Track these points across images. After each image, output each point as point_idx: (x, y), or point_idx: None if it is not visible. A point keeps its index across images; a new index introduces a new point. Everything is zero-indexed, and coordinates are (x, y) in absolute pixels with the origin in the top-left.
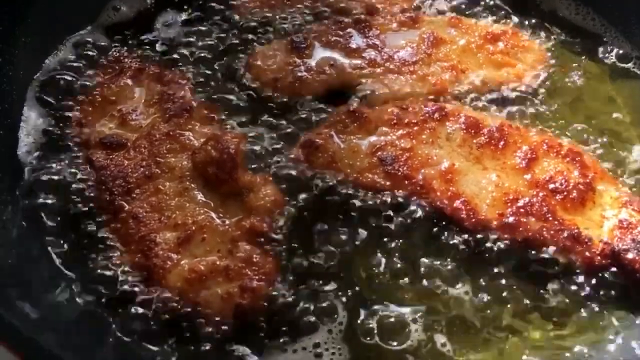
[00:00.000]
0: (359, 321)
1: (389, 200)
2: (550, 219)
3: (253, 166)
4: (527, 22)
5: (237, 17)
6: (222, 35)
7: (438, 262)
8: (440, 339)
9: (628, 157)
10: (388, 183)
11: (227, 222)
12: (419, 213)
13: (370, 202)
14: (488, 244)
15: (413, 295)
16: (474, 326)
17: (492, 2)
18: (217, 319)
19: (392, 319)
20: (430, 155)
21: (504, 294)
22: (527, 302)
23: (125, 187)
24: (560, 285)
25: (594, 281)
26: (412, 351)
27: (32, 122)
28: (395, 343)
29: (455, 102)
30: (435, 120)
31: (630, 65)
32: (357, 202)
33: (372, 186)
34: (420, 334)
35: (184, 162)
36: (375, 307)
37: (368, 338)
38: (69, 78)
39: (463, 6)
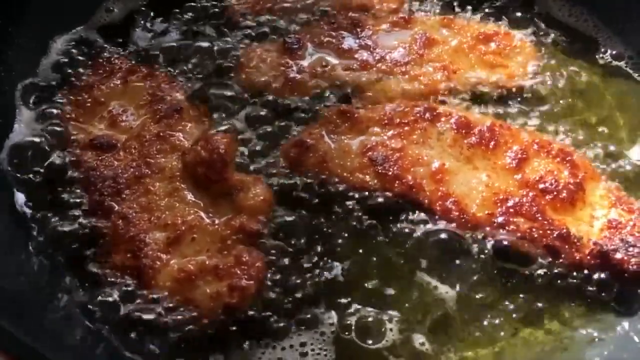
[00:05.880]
0: (344, 321)
1: (379, 200)
2: (540, 219)
3: (243, 166)
4: (519, 23)
5: (229, 17)
6: (215, 36)
7: (423, 262)
8: (419, 338)
9: (619, 157)
10: (379, 183)
11: (217, 221)
12: (409, 213)
13: (360, 202)
14: (475, 244)
15: (398, 295)
16: (455, 325)
17: (484, 3)
18: (206, 317)
19: (371, 319)
20: (421, 155)
21: (488, 294)
22: (512, 302)
23: (115, 188)
24: (547, 285)
25: (581, 282)
26: (391, 350)
27: (24, 122)
28: (372, 342)
29: (446, 102)
30: (426, 121)
31: (622, 64)
32: (348, 202)
33: (362, 186)
34: (398, 334)
35: (174, 162)
36: (360, 306)
37: (354, 337)
38: (61, 78)
39: (456, 7)
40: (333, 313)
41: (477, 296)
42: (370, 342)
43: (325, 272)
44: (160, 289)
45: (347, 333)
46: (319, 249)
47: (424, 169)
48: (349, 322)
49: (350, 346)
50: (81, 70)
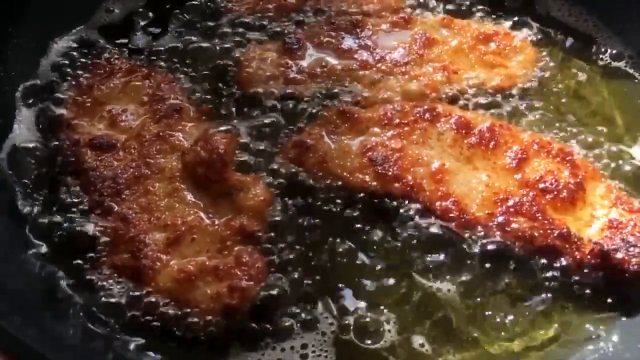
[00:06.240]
0: (343, 322)
1: (379, 200)
2: (540, 218)
3: (243, 166)
4: (519, 23)
5: (229, 18)
6: (214, 36)
7: (422, 262)
8: (418, 339)
9: (619, 156)
10: (378, 183)
11: (217, 222)
12: (409, 213)
13: (360, 202)
14: (475, 244)
15: (397, 296)
16: (454, 326)
17: (484, 3)
18: (206, 318)
19: (369, 319)
20: (420, 155)
21: (488, 294)
22: (512, 302)
23: (115, 188)
24: (547, 284)
25: (581, 281)
26: (391, 350)
27: (24, 123)
28: (371, 342)
29: (446, 102)
30: (426, 121)
31: (622, 64)
32: (347, 203)
33: (362, 186)
34: (396, 335)
35: (173, 162)
36: (359, 307)
37: (353, 337)
38: (61, 78)
39: (455, 7)
40: (332, 314)
41: (476, 297)
42: (369, 342)
43: (324, 273)
44: (160, 290)
45: (345, 334)
46: (318, 249)
47: (424, 169)
48: (347, 322)
49: (350, 347)
50: (81, 70)
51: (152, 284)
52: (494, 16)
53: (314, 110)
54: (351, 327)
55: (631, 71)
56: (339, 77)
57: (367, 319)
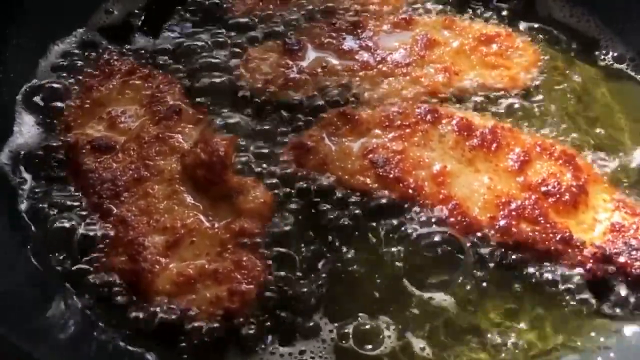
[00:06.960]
0: (342, 329)
1: (380, 203)
2: (542, 222)
3: (243, 168)
4: (521, 24)
5: (230, 18)
6: (215, 36)
7: (423, 266)
8: (419, 343)
9: (622, 159)
10: (379, 185)
11: (217, 225)
12: (410, 216)
13: (361, 205)
14: (476, 247)
15: (398, 301)
16: (456, 330)
17: (486, 4)
18: (205, 322)
19: (368, 326)
20: (422, 157)
21: (489, 298)
22: (514, 307)
23: (114, 191)
24: (548, 289)
25: (583, 286)
26: (392, 356)
27: (23, 124)
28: (371, 348)
29: (448, 104)
30: (428, 122)
31: (624, 66)
32: (348, 206)
33: (363, 189)
34: (396, 341)
35: (173, 164)
36: (358, 313)
37: (353, 344)
38: (60, 80)
39: (457, 8)
40: (331, 320)
41: (478, 301)
42: (369, 348)
43: (323, 278)
44: (159, 293)
45: (344, 341)
46: (317, 254)
47: (425, 171)
48: (347, 330)
49: (350, 354)
50: (80, 71)
51: (151, 287)
52: (495, 17)
53: (314, 112)
54: (350, 335)
55: (632, 73)
56: (339, 78)
57: (367, 326)
